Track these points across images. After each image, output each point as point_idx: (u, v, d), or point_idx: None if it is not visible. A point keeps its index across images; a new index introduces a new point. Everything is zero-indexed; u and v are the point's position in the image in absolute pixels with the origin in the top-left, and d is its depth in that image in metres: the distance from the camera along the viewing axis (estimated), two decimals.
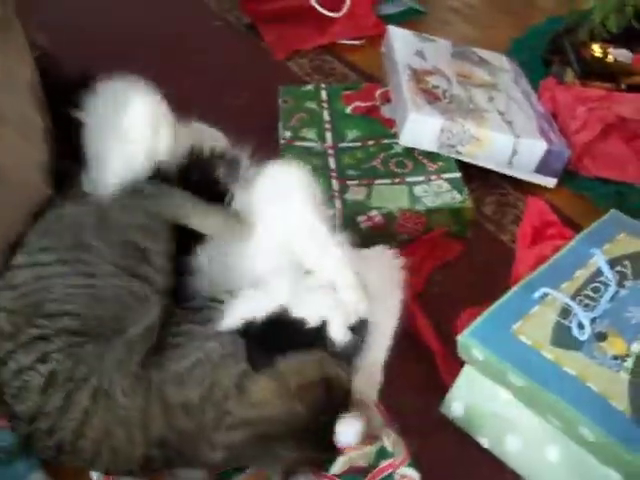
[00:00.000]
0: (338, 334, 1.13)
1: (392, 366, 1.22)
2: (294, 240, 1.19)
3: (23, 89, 1.26)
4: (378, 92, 1.85)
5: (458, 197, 1.54)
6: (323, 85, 1.88)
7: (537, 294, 1.20)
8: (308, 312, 1.13)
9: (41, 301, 1.11)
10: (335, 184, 1.57)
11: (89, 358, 1.08)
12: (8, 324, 1.10)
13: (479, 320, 1.18)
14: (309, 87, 1.88)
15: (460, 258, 1.50)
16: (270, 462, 1.07)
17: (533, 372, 1.11)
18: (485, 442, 1.20)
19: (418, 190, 1.56)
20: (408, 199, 1.53)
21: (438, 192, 1.55)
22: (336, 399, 1.09)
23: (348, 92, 1.86)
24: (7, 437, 1.12)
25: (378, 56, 1.93)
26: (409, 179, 1.59)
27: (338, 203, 1.52)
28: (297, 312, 1.13)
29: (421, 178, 1.59)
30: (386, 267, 1.26)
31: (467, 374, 1.21)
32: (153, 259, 1.16)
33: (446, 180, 1.58)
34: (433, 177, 1.59)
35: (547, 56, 1.95)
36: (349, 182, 1.58)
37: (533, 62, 1.96)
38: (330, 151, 1.67)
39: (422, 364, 1.30)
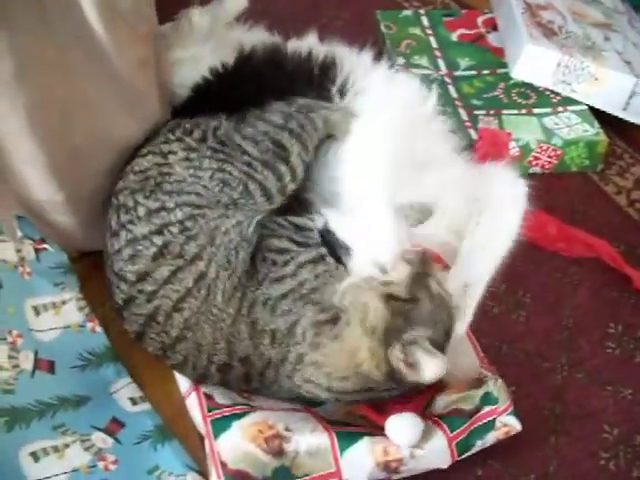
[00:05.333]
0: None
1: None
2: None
3: None
4: (481, 19, 1.81)
5: (591, 130, 1.53)
6: (422, 11, 1.83)
7: None
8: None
9: (162, 182, 1.14)
10: (463, 113, 1.55)
11: (202, 235, 1.10)
12: (130, 199, 1.14)
13: None
14: (407, 12, 1.83)
15: (561, 209, 1.47)
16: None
17: None
18: None
19: (548, 122, 1.54)
20: (542, 131, 1.52)
21: (569, 124, 1.53)
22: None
23: (448, 19, 1.81)
24: (99, 341, 1.15)
25: None
26: (536, 110, 1.57)
27: (474, 134, 1.49)
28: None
29: (548, 110, 1.57)
30: (508, 183, 1.22)
31: None
32: (292, 161, 1.17)
33: (574, 112, 1.57)
34: (560, 109, 1.57)
35: None
36: (476, 112, 1.56)
37: None
38: (447, 79, 1.64)
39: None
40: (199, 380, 1.10)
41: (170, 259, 1.09)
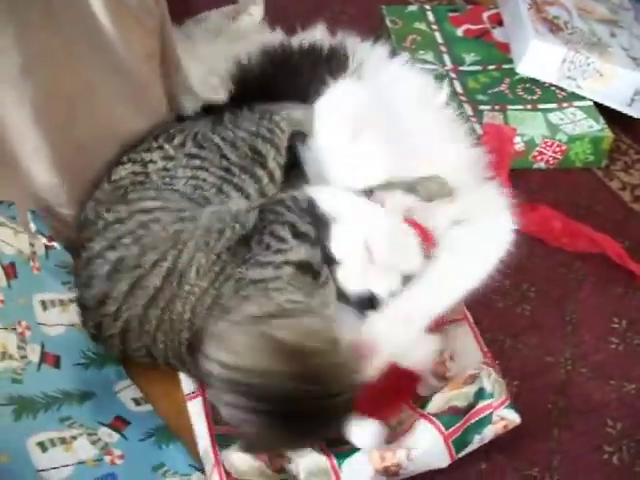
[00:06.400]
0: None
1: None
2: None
3: None
4: (486, 15, 1.81)
5: (596, 125, 1.53)
6: (427, 6, 1.83)
7: None
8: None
9: (129, 190, 1.14)
10: (468, 109, 1.55)
11: (160, 242, 1.08)
12: (93, 212, 1.13)
13: None
14: (413, 8, 1.83)
15: (566, 204, 1.47)
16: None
17: None
18: None
19: (553, 117, 1.55)
20: (547, 126, 1.52)
21: (574, 120, 1.53)
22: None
23: (454, 14, 1.82)
24: None
25: None
26: (541, 106, 1.57)
27: (479, 129, 1.49)
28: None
29: (553, 105, 1.57)
30: (499, 224, 1.21)
31: None
32: (269, 164, 1.18)
33: (579, 108, 1.57)
34: (565, 104, 1.57)
35: None
36: (481, 107, 1.56)
37: None
38: (453, 74, 1.64)
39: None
40: (180, 368, 1.09)
41: (127, 272, 1.07)
